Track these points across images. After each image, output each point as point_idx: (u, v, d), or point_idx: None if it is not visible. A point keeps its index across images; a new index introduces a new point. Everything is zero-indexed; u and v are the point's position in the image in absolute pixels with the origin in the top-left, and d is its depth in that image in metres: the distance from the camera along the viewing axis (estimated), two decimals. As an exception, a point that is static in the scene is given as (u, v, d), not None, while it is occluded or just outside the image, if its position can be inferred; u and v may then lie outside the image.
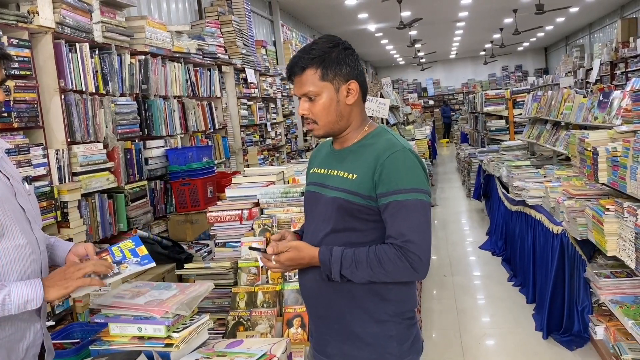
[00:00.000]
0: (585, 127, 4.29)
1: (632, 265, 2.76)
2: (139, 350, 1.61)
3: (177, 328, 1.71)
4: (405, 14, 12.92)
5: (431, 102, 26.09)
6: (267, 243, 2.67)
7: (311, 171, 1.86)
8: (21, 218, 1.63)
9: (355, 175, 1.65)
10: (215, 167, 4.91)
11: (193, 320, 1.77)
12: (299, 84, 1.67)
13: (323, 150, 1.87)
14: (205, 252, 3.99)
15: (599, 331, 3.43)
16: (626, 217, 2.81)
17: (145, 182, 4.24)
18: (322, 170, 1.78)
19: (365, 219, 1.64)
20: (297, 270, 1.76)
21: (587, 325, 3.59)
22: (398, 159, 1.61)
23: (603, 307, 3.49)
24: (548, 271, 3.94)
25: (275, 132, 8.33)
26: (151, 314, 1.67)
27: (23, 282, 1.54)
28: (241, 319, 2.39)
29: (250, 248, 1.82)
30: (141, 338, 1.69)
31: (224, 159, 6.07)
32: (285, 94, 9.31)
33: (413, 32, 16.27)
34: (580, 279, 3.62)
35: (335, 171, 1.71)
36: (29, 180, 1.80)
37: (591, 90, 7.34)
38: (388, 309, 1.67)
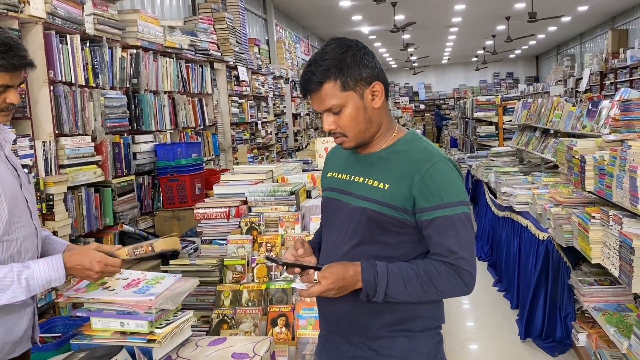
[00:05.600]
0: (574, 136, 4.33)
1: (616, 273, 2.79)
2: (121, 346, 1.59)
3: (160, 324, 1.69)
4: (399, 17, 12.95)
5: (422, 107, 26.20)
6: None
7: (328, 175, 1.69)
8: (25, 209, 1.68)
9: (387, 185, 1.50)
10: (204, 164, 4.89)
11: (177, 316, 1.76)
12: (319, 100, 1.50)
13: (342, 153, 1.67)
14: (191, 249, 3.95)
15: (582, 338, 3.46)
16: (611, 226, 2.84)
17: (132, 177, 4.21)
18: (344, 176, 1.61)
19: (397, 232, 1.51)
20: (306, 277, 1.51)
21: (570, 332, 3.62)
22: (440, 171, 1.48)
23: (586, 314, 3.52)
24: (531, 277, 3.96)
25: (266, 131, 8.31)
26: (134, 309, 1.66)
27: (45, 260, 1.58)
28: (225, 317, 2.38)
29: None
30: (123, 333, 1.68)
31: (213, 156, 6.04)
32: (277, 93, 9.29)
33: (406, 36, 16.33)
34: (565, 285, 3.65)
35: (362, 178, 1.56)
36: (29, 169, 1.83)
37: (580, 99, 7.39)
38: (418, 324, 1.59)
